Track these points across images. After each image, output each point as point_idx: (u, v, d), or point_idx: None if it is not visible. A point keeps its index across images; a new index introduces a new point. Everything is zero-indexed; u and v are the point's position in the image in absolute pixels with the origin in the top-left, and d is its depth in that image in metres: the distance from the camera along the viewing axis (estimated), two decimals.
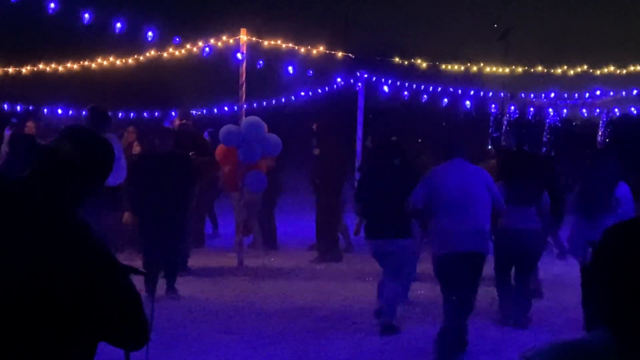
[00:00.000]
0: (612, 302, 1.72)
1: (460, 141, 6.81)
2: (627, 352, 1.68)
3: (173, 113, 16.17)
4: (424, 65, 15.87)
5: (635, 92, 17.52)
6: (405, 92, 16.79)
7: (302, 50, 12.28)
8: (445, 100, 17.27)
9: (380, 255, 7.22)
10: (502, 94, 20.41)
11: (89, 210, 2.41)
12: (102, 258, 2.21)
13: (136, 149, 10.80)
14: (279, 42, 11.54)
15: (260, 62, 12.04)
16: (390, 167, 7.19)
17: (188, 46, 11.68)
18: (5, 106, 15.74)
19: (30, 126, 10.90)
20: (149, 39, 10.60)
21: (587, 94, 18.56)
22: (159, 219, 7.91)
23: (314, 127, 11.26)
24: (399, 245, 6.99)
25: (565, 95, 19.16)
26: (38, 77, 14.84)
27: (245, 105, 10.25)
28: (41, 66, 14.27)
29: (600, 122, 21.94)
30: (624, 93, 18.08)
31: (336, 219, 10.85)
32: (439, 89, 17.17)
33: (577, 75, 16.63)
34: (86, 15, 9.89)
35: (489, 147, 18.82)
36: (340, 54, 14.03)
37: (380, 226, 6.97)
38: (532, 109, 22.52)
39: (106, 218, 7.71)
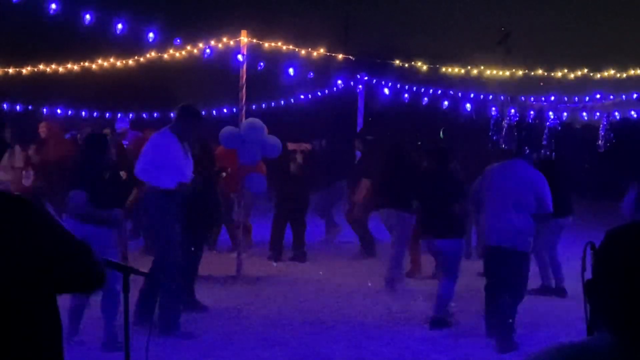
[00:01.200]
0: (616, 306, 1.71)
1: (524, 143, 7.40)
2: (631, 356, 1.67)
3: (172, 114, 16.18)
4: (425, 67, 15.88)
5: (635, 95, 17.51)
6: (406, 95, 16.80)
7: (303, 52, 12.29)
8: (446, 102, 17.27)
9: (433, 253, 7.82)
10: (502, 97, 20.41)
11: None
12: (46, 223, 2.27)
13: None
14: (279, 44, 11.54)
15: (261, 63, 12.04)
16: (444, 171, 7.73)
17: (188, 47, 11.67)
18: (5, 106, 15.74)
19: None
20: (150, 40, 10.58)
21: (587, 98, 18.55)
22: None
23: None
24: (449, 244, 7.45)
25: (566, 98, 19.16)
26: (38, 78, 14.84)
27: (245, 107, 10.23)
28: (41, 67, 14.27)
29: (601, 125, 21.96)
30: (624, 97, 18.07)
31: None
32: (439, 91, 17.18)
33: (577, 78, 16.63)
34: (87, 16, 9.88)
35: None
36: (340, 56, 14.03)
37: (434, 226, 7.50)
38: (532, 112, 22.53)
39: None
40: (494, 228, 6.77)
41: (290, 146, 11.19)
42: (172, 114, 13.91)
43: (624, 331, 1.70)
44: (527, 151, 7.55)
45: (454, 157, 9.32)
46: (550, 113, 21.92)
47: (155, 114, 16.70)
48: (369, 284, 9.36)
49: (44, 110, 15.85)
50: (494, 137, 26.19)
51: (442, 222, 7.40)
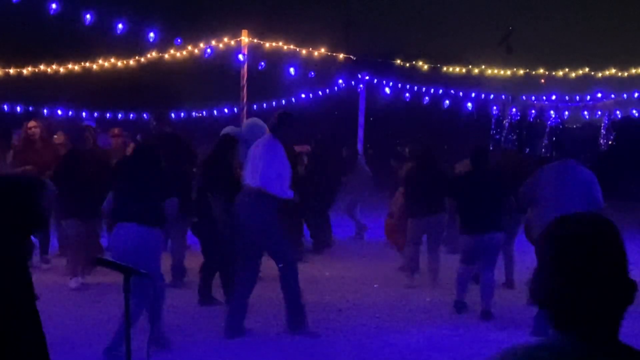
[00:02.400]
0: (558, 304, 1.71)
1: (572, 144, 7.55)
2: (585, 354, 1.67)
3: (173, 114, 16.13)
4: (426, 67, 15.87)
5: (636, 94, 17.49)
6: (407, 94, 16.79)
7: (304, 52, 12.28)
8: (447, 102, 17.26)
9: (476, 249, 7.90)
10: (503, 96, 20.41)
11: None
12: None
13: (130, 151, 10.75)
14: (280, 43, 11.54)
15: (262, 63, 12.03)
16: (487, 170, 8.05)
17: (189, 48, 11.67)
18: (6, 107, 15.73)
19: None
20: (151, 40, 10.58)
21: (589, 97, 18.54)
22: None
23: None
24: (495, 238, 7.79)
25: (567, 97, 19.15)
26: (39, 78, 14.84)
27: (246, 107, 10.22)
28: (42, 67, 14.27)
29: (602, 124, 21.95)
30: (625, 95, 18.06)
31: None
32: (440, 91, 17.16)
33: (578, 77, 16.62)
34: (88, 17, 9.87)
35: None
36: (341, 55, 14.02)
37: (480, 222, 7.77)
38: (533, 112, 22.51)
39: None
40: None
41: (297, 149, 11.26)
42: (172, 114, 13.85)
43: (569, 328, 1.69)
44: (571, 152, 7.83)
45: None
46: (552, 112, 21.91)
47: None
48: (375, 285, 9.35)
49: (45, 111, 15.85)
50: (496, 137, 26.18)
51: (491, 217, 7.76)
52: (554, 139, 22.95)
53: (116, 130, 11.29)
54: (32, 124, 9.97)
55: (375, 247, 12.19)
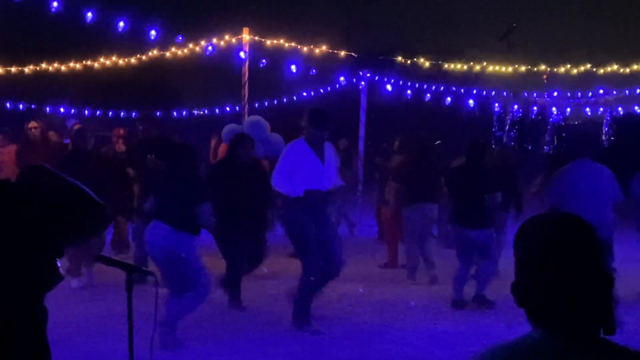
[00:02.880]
0: (535, 300, 1.72)
1: (587, 143, 7.71)
2: (564, 351, 1.68)
3: (175, 113, 16.15)
4: (427, 64, 15.85)
5: (638, 90, 17.47)
6: (408, 91, 16.78)
7: (305, 49, 12.28)
8: (449, 99, 17.25)
9: (465, 243, 8.06)
10: (505, 93, 20.39)
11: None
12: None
13: (121, 147, 10.71)
14: (281, 41, 11.53)
15: (263, 61, 12.02)
16: (479, 166, 8.13)
17: (191, 45, 11.67)
18: (8, 105, 15.74)
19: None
20: (152, 38, 10.58)
21: (591, 93, 18.52)
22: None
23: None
24: (481, 235, 7.94)
25: (569, 94, 19.12)
26: (40, 76, 14.85)
27: (247, 105, 10.23)
28: (44, 65, 14.27)
29: (604, 121, 21.92)
30: (627, 92, 18.04)
31: None
32: (442, 88, 17.15)
33: (580, 74, 16.60)
34: (89, 15, 9.87)
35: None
36: (342, 53, 14.01)
37: (465, 217, 7.94)
38: (535, 108, 22.49)
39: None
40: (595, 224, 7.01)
41: None
42: (174, 112, 13.82)
43: (546, 325, 1.71)
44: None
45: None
46: (554, 109, 21.88)
47: (157, 112, 16.70)
48: (366, 286, 9.35)
49: (47, 109, 15.86)
50: (498, 133, 26.16)
51: (475, 214, 7.87)
52: (563, 135, 22.92)
53: (121, 131, 11.25)
54: (32, 124, 9.89)
55: (369, 243, 12.19)
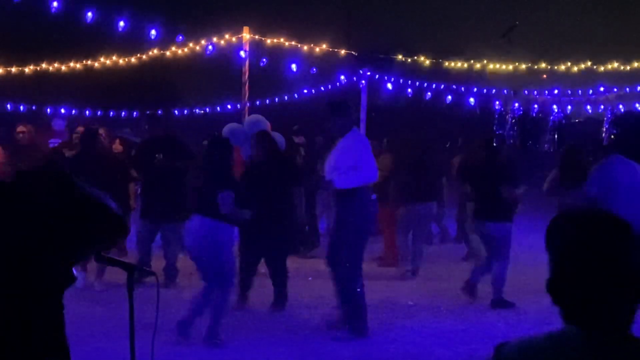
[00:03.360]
0: (571, 297, 1.72)
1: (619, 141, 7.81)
2: (596, 347, 1.67)
3: (176, 112, 16.14)
4: (428, 62, 15.84)
5: (639, 88, 17.45)
6: (409, 90, 16.77)
7: (305, 48, 12.27)
8: (449, 97, 17.23)
9: (483, 236, 8.17)
10: (505, 91, 20.37)
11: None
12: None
13: (118, 147, 10.71)
14: (281, 40, 11.52)
15: (263, 60, 12.02)
16: (493, 160, 8.28)
17: (191, 45, 11.67)
18: (9, 106, 15.73)
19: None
20: (152, 37, 10.57)
21: (591, 91, 18.51)
22: None
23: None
24: (500, 227, 7.98)
25: (569, 91, 19.11)
26: (41, 77, 14.84)
27: (248, 104, 10.22)
28: (44, 66, 14.27)
29: (605, 118, 21.90)
30: (627, 89, 18.02)
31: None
32: (442, 86, 17.14)
33: (580, 71, 16.59)
34: (89, 14, 9.87)
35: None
36: (343, 51, 14.01)
37: (487, 210, 8.02)
38: (536, 106, 22.47)
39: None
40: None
41: (295, 140, 11.34)
42: (175, 111, 13.83)
43: (578, 321, 1.70)
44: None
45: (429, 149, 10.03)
46: (554, 106, 21.87)
47: (158, 111, 16.69)
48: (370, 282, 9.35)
49: (48, 109, 15.85)
50: (498, 132, 26.13)
51: (494, 207, 7.93)
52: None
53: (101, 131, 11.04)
54: (20, 128, 9.75)
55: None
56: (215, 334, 6.49)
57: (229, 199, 6.39)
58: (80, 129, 10.55)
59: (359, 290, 6.78)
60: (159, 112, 16.22)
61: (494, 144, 8.65)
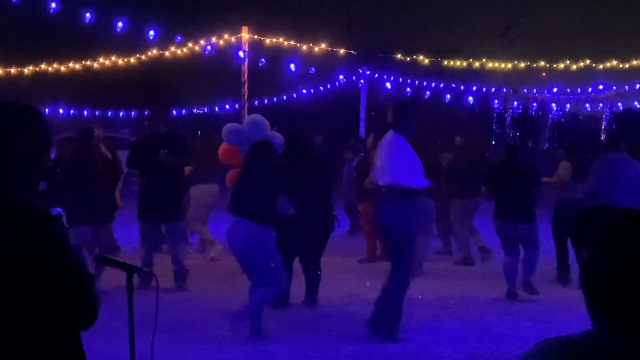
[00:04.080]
0: (608, 294, 1.68)
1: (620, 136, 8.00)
2: (629, 348, 1.64)
3: (174, 112, 16.15)
4: (427, 61, 15.85)
5: (638, 86, 17.46)
6: (408, 89, 16.78)
7: (304, 47, 12.27)
8: (448, 96, 17.24)
9: (513, 237, 8.30)
10: (504, 89, 20.38)
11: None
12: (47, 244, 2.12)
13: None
14: (280, 39, 11.52)
15: (262, 60, 12.02)
16: (519, 163, 8.51)
17: (190, 45, 11.67)
18: None
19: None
20: (151, 38, 10.58)
21: (590, 89, 18.52)
22: None
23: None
24: (531, 227, 8.24)
25: (568, 90, 19.12)
26: (40, 77, 14.85)
27: (247, 103, 10.22)
28: (43, 66, 14.27)
29: (604, 116, 21.89)
30: (626, 87, 18.03)
31: None
32: (442, 85, 17.15)
33: (579, 69, 16.59)
34: (87, 15, 9.87)
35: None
36: (342, 51, 14.01)
37: (517, 212, 8.19)
38: (535, 104, 22.47)
39: None
40: None
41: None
42: (173, 111, 13.77)
43: (620, 321, 1.67)
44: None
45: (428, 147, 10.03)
46: (553, 104, 21.87)
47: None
48: (368, 283, 9.35)
49: (47, 110, 15.86)
50: (497, 130, 26.13)
51: (523, 208, 8.19)
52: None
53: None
54: None
55: (357, 240, 12.19)
56: (258, 330, 6.67)
57: (287, 202, 6.61)
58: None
59: (397, 294, 6.76)
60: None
61: (517, 146, 8.96)
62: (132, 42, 12.33)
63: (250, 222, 6.52)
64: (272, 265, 6.63)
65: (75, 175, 8.17)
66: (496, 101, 22.01)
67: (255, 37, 10.66)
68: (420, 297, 8.36)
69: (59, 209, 2.40)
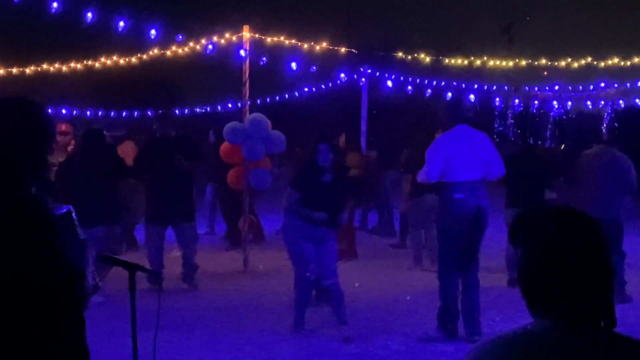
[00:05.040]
0: (542, 289, 1.76)
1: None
2: (565, 339, 1.70)
3: (177, 111, 16.17)
4: (428, 59, 15.84)
5: (639, 83, 17.43)
6: (409, 87, 16.78)
7: (305, 46, 12.27)
8: (449, 94, 17.23)
9: None
10: (506, 87, 20.37)
11: None
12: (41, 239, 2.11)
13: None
14: (281, 38, 11.52)
15: (264, 58, 12.02)
16: (535, 156, 9.29)
17: (191, 44, 11.67)
18: None
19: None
20: (152, 37, 10.57)
21: (592, 86, 18.49)
22: None
23: None
24: None
25: (570, 87, 19.10)
26: (42, 77, 14.86)
27: (248, 102, 10.23)
28: (45, 66, 14.28)
29: (605, 114, 21.88)
30: (628, 85, 18.00)
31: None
32: (443, 83, 17.14)
33: (581, 67, 16.58)
34: (89, 15, 9.88)
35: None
36: (343, 49, 14.01)
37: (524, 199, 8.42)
38: (536, 102, 22.45)
39: None
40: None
41: None
42: (176, 111, 13.74)
43: (549, 316, 1.74)
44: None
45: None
46: (555, 102, 21.85)
47: (159, 111, 16.70)
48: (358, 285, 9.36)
49: (49, 110, 15.87)
50: (499, 128, 26.13)
51: (535, 198, 8.48)
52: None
53: (63, 127, 10.54)
54: None
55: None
56: (300, 324, 6.86)
57: (293, 198, 6.69)
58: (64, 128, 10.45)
59: (447, 292, 6.74)
60: (159, 112, 16.27)
61: (530, 145, 9.53)
62: (134, 42, 12.33)
63: (283, 217, 6.90)
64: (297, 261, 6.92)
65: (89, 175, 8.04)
66: (497, 99, 21.99)
67: (257, 36, 10.66)
68: (419, 294, 8.37)
69: (68, 206, 2.39)
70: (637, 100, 18.92)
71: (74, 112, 15.97)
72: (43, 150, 2.27)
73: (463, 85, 17.55)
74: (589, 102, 19.82)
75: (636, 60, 16.17)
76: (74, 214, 2.38)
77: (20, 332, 2.09)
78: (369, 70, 14.06)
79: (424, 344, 6.61)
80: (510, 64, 16.80)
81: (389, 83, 15.58)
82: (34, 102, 2.32)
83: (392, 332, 6.95)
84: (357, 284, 8.83)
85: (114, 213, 8.20)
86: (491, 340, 1.78)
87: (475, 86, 17.86)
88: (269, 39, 11.25)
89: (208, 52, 11.31)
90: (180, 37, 11.33)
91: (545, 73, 19.59)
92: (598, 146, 8.56)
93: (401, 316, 7.58)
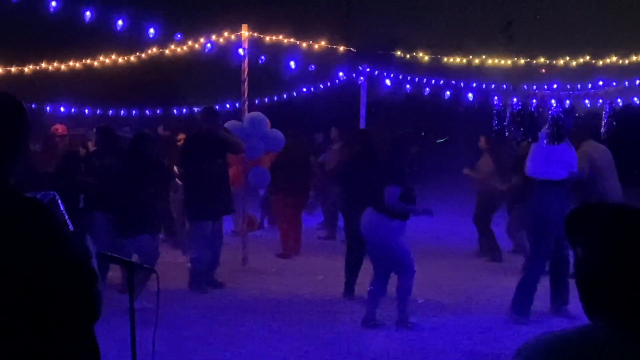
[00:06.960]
0: (602, 290, 1.69)
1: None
2: (624, 343, 1.64)
3: (175, 110, 16.20)
4: (426, 58, 15.85)
5: (638, 82, 17.44)
6: (408, 86, 16.78)
7: (304, 45, 12.27)
8: (448, 93, 17.24)
9: None
10: (504, 86, 20.38)
11: None
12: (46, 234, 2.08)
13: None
14: (280, 37, 11.53)
15: (262, 57, 12.03)
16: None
17: (190, 43, 11.67)
18: None
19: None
20: (151, 36, 10.57)
21: (590, 85, 18.50)
22: None
23: None
24: None
25: (568, 86, 19.10)
26: (40, 76, 14.85)
27: (247, 101, 10.24)
28: (43, 65, 14.28)
29: (603, 112, 21.84)
30: (626, 83, 18.01)
31: None
32: (442, 82, 17.15)
33: (579, 65, 16.59)
34: (87, 13, 9.88)
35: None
36: (342, 48, 14.00)
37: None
38: (534, 101, 22.46)
39: None
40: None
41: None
42: (174, 110, 13.80)
43: (616, 315, 1.67)
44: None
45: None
46: (553, 101, 21.85)
47: (158, 110, 16.72)
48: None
49: (48, 108, 15.86)
50: (497, 127, 26.11)
51: None
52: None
53: (59, 129, 10.45)
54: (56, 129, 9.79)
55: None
56: (406, 319, 6.91)
57: (395, 193, 6.70)
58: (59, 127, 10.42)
59: (532, 280, 7.12)
60: (158, 110, 16.27)
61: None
62: (133, 41, 12.32)
63: (373, 213, 6.85)
64: (400, 255, 6.91)
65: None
66: (496, 98, 21.99)
67: (255, 34, 10.66)
68: (421, 294, 8.40)
69: (52, 193, 2.35)
70: (636, 99, 18.94)
71: (72, 110, 15.97)
72: (26, 143, 2.27)
73: (462, 83, 17.57)
74: (587, 101, 19.82)
75: (634, 58, 16.19)
76: (59, 200, 2.35)
77: (34, 332, 2.08)
78: (368, 69, 14.06)
79: (419, 342, 6.63)
80: (509, 62, 16.80)
81: (388, 82, 15.58)
82: (14, 96, 2.31)
83: (389, 329, 6.95)
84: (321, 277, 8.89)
85: (159, 222, 8.16)
86: (541, 338, 1.71)
87: (474, 85, 17.87)
88: (267, 38, 11.26)
89: (207, 50, 11.32)
90: (179, 35, 11.33)
91: (544, 70, 19.59)
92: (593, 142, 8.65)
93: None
